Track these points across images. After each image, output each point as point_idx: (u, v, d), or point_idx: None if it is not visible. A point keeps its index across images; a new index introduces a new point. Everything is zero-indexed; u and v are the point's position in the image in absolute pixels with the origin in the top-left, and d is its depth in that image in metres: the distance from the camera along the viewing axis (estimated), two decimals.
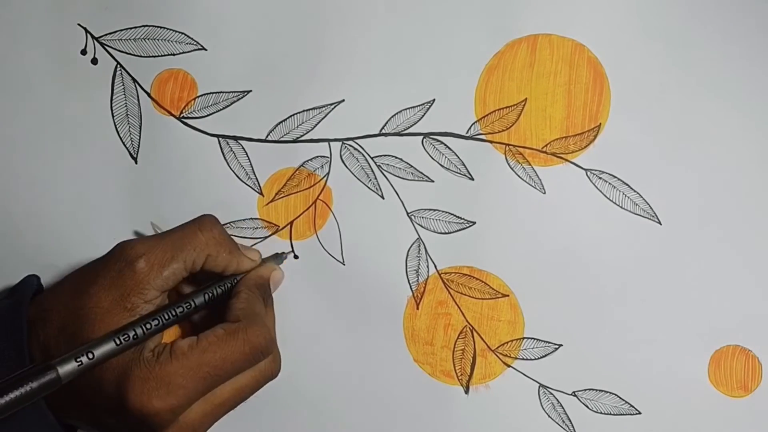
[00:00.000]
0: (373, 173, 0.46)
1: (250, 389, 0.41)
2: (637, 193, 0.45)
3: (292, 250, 0.47)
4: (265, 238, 0.47)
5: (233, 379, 0.40)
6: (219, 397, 0.40)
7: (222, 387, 0.40)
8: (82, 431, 0.43)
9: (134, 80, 0.47)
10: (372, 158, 0.46)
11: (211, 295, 0.43)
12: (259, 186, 0.47)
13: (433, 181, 0.46)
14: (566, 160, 0.46)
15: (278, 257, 0.46)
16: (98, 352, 0.38)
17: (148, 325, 0.39)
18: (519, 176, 0.46)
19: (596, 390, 0.46)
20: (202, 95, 0.47)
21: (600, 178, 0.45)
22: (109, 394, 0.38)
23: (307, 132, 0.46)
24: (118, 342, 0.38)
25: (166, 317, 0.40)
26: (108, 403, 0.39)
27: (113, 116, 0.47)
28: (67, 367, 0.37)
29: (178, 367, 0.38)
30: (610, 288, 0.46)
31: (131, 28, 0.46)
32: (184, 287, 0.44)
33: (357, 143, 0.46)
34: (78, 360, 0.37)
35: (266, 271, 0.45)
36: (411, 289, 0.47)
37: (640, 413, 0.46)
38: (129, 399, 0.38)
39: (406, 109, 0.46)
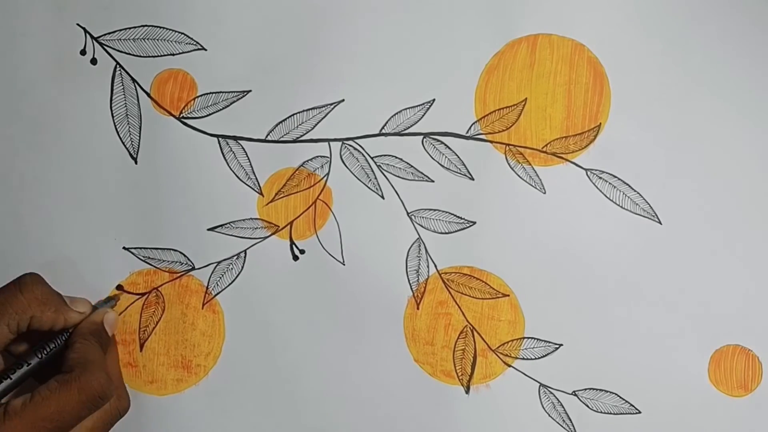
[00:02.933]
0: (373, 173, 0.46)
1: (99, 430, 0.42)
2: (637, 193, 0.45)
3: (118, 297, 0.47)
4: (265, 238, 0.47)
5: (78, 425, 0.40)
6: None
7: None
8: None
9: (134, 80, 0.46)
10: (372, 158, 0.46)
11: (45, 351, 0.42)
12: (259, 186, 0.47)
13: (433, 181, 0.46)
14: (566, 160, 0.46)
15: (110, 300, 0.46)
16: None
17: None
18: (519, 176, 0.46)
19: (596, 389, 0.46)
20: (201, 95, 0.46)
21: (600, 177, 0.45)
22: None
23: (307, 132, 0.46)
24: None
25: (5, 384, 0.40)
26: None
27: (113, 116, 0.47)
28: None
29: (14, 426, 0.38)
30: (611, 287, 0.46)
31: (131, 28, 0.46)
32: (16, 346, 0.44)
33: (357, 143, 0.46)
34: None
35: (98, 316, 0.45)
36: (411, 289, 0.47)
37: (640, 413, 0.46)
38: None
39: (406, 108, 0.46)
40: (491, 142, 0.46)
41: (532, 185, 0.46)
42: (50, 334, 0.43)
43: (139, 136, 0.47)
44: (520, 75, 0.45)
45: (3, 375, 0.40)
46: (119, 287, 0.47)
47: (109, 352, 0.45)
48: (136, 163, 0.47)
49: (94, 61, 0.47)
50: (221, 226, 0.47)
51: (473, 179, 0.46)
